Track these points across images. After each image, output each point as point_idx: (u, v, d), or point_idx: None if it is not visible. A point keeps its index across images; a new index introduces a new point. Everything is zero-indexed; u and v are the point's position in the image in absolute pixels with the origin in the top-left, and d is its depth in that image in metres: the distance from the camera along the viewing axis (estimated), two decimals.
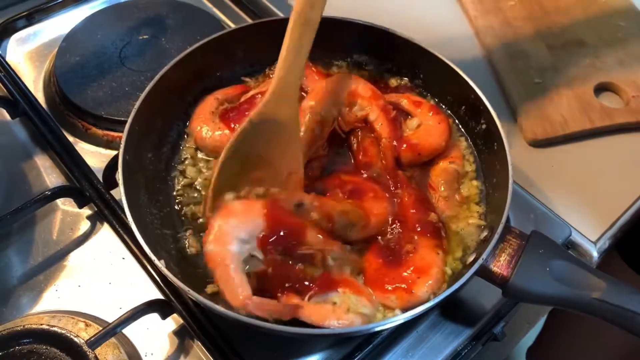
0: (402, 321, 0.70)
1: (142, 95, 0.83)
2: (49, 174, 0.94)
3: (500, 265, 0.71)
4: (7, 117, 1.00)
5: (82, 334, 0.73)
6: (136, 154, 0.82)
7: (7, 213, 0.83)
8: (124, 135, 0.79)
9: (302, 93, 0.94)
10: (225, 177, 0.77)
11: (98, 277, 0.84)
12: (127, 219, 0.73)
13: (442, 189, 0.85)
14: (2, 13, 1.16)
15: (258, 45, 0.97)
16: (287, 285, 0.71)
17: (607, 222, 0.95)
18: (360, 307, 0.71)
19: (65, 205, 0.91)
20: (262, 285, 0.72)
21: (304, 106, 0.87)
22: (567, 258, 0.70)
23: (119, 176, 0.76)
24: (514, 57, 1.13)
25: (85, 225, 0.89)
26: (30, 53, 1.12)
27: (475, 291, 0.83)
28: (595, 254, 0.91)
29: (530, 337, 1.57)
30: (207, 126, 0.88)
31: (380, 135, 0.87)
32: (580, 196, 0.97)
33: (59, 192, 0.88)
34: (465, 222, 0.83)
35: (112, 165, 0.89)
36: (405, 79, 0.99)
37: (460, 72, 0.89)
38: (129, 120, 0.81)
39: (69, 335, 0.72)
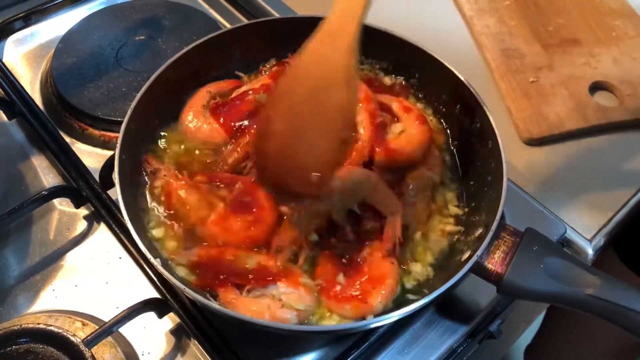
0: (396, 318, 0.70)
1: (138, 95, 0.83)
2: (45, 174, 0.95)
3: (494, 262, 0.72)
4: (4, 118, 1.01)
5: (79, 333, 0.74)
6: (133, 153, 0.83)
7: (4, 213, 0.84)
8: (120, 135, 0.79)
9: None
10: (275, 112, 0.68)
11: (95, 276, 0.84)
12: (123, 218, 0.73)
13: (412, 194, 0.84)
14: (0, 14, 1.16)
15: (254, 45, 0.97)
16: (222, 277, 0.73)
17: (603, 219, 0.95)
18: (296, 303, 0.72)
19: (62, 205, 0.91)
20: (201, 279, 0.75)
21: None
22: (561, 255, 0.71)
23: (115, 176, 0.76)
24: (509, 56, 1.14)
25: (82, 225, 0.89)
26: (27, 54, 1.12)
27: (471, 289, 0.83)
28: (590, 252, 0.92)
29: (528, 336, 1.57)
30: (197, 119, 0.89)
31: (359, 138, 0.86)
32: (576, 194, 0.98)
33: (55, 192, 0.88)
34: (436, 229, 0.83)
35: (108, 166, 0.89)
36: (400, 77, 0.99)
37: (455, 71, 0.89)
38: (125, 120, 0.81)
39: (65, 334, 0.72)
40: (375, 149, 0.86)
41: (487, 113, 0.84)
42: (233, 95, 0.92)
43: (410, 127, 0.89)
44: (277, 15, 1.17)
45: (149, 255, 0.70)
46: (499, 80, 1.11)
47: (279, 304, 0.71)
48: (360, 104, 0.88)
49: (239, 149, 0.85)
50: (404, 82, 0.99)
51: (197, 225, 0.79)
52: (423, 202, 0.84)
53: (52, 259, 0.86)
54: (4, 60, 1.09)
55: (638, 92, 1.08)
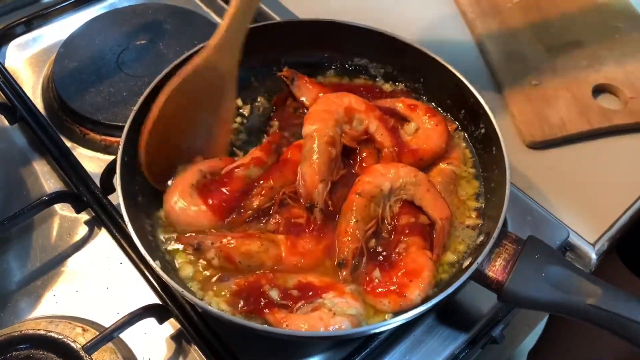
0: (398, 324, 0.70)
1: (141, 99, 0.83)
2: (47, 180, 0.95)
3: (495, 270, 0.71)
4: (6, 123, 1.01)
5: (79, 339, 0.74)
6: (134, 158, 0.82)
7: (5, 218, 0.84)
8: (122, 139, 0.79)
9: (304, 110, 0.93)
10: (165, 116, 0.80)
11: (95, 282, 0.84)
12: (124, 223, 0.73)
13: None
14: (2, 19, 1.17)
15: (256, 48, 0.97)
16: (264, 302, 0.72)
17: (606, 224, 0.94)
18: (347, 309, 0.71)
19: (63, 210, 0.91)
20: (245, 307, 0.73)
21: (306, 132, 0.84)
22: (563, 264, 0.70)
23: (117, 180, 0.76)
24: (511, 59, 1.13)
25: (82, 230, 0.90)
26: (29, 59, 1.12)
27: (472, 295, 0.83)
28: (593, 256, 0.91)
29: (531, 340, 1.57)
30: (183, 200, 0.80)
31: (382, 146, 0.87)
32: (579, 198, 0.97)
33: (56, 198, 0.88)
34: (460, 222, 0.83)
35: (109, 170, 0.89)
36: (400, 84, 0.99)
37: (461, 76, 0.88)
38: (127, 123, 0.81)
39: (65, 340, 0.72)
40: (401, 153, 0.86)
41: (492, 119, 0.84)
42: (222, 172, 0.83)
43: (423, 123, 0.89)
44: (277, 18, 1.17)
45: (148, 259, 0.70)
46: (501, 84, 1.10)
47: (330, 314, 0.71)
48: (366, 115, 0.87)
49: (262, 193, 0.81)
50: (404, 88, 0.98)
51: (277, 265, 0.77)
52: (448, 196, 0.84)
53: (53, 264, 0.86)
54: (6, 65, 1.09)
55: None
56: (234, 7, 0.81)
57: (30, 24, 1.15)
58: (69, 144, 0.97)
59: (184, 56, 0.89)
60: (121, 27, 1.13)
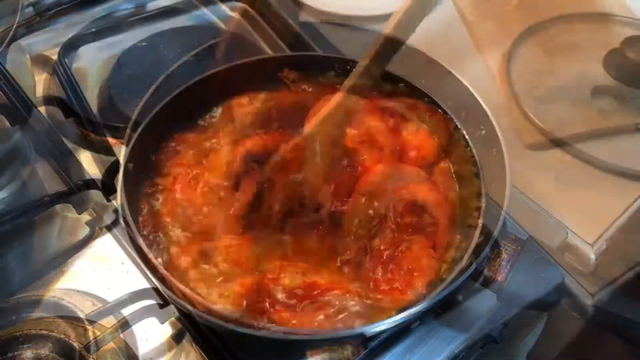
0: (396, 323, 0.70)
1: (143, 99, 0.84)
2: (48, 181, 0.95)
3: (494, 270, 0.72)
4: (7, 124, 1.01)
5: (80, 339, 0.74)
6: (136, 157, 0.83)
7: (6, 219, 0.84)
8: (124, 138, 0.80)
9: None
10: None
11: (97, 282, 0.84)
12: (125, 224, 0.73)
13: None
14: (2, 21, 1.17)
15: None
16: (269, 301, 0.72)
17: (605, 224, 0.95)
18: (352, 307, 0.72)
19: (64, 211, 0.91)
20: (250, 308, 0.73)
21: (307, 134, 0.84)
22: (562, 264, 0.70)
23: (119, 179, 0.77)
24: (510, 61, 1.13)
25: (84, 231, 0.90)
26: (30, 60, 1.13)
27: (472, 295, 0.83)
28: (592, 256, 0.91)
29: (531, 340, 1.57)
30: None
31: (383, 145, 0.87)
32: (578, 198, 0.97)
33: (58, 198, 0.88)
34: (461, 221, 0.83)
35: (110, 171, 0.89)
36: (400, 85, 0.99)
37: (460, 78, 0.89)
38: (129, 124, 0.81)
39: (67, 340, 0.73)
40: (404, 153, 0.87)
41: (492, 120, 0.84)
42: None
43: (424, 122, 0.90)
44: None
45: (151, 257, 0.70)
46: (500, 85, 1.11)
47: (336, 312, 0.71)
48: (367, 115, 0.88)
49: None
50: (404, 89, 0.98)
51: (285, 265, 0.77)
52: (449, 195, 0.85)
53: (54, 265, 0.86)
54: (7, 66, 1.09)
55: None
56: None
57: (31, 26, 1.15)
58: (70, 145, 0.97)
59: (185, 57, 0.90)
60: (122, 29, 1.13)
